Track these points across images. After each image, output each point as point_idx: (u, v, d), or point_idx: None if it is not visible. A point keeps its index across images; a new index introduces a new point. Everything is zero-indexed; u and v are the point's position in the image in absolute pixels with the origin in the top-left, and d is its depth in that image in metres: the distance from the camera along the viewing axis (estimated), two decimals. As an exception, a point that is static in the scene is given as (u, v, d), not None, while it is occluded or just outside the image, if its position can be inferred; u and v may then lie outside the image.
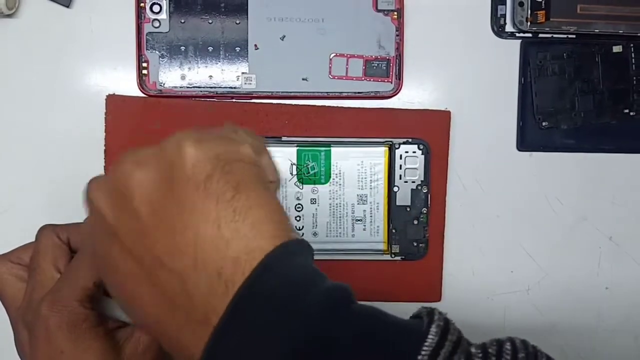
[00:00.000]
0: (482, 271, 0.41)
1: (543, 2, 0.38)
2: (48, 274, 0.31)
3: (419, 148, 0.39)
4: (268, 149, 0.27)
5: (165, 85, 0.38)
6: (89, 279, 0.31)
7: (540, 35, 0.40)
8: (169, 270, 0.21)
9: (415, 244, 0.40)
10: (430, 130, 0.39)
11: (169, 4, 0.37)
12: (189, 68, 0.38)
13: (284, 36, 0.38)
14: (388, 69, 0.39)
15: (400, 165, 0.39)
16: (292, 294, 0.21)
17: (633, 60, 0.40)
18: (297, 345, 0.20)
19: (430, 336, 0.20)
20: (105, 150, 0.38)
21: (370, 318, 0.21)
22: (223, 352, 0.20)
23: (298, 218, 0.39)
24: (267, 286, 0.21)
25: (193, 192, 0.22)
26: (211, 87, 0.38)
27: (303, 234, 0.39)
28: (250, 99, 0.38)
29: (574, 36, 0.40)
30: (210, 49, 0.38)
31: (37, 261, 0.32)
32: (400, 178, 0.39)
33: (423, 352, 0.20)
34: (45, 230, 0.33)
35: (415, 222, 0.39)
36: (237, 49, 0.38)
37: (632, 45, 0.40)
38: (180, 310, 0.21)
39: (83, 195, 0.25)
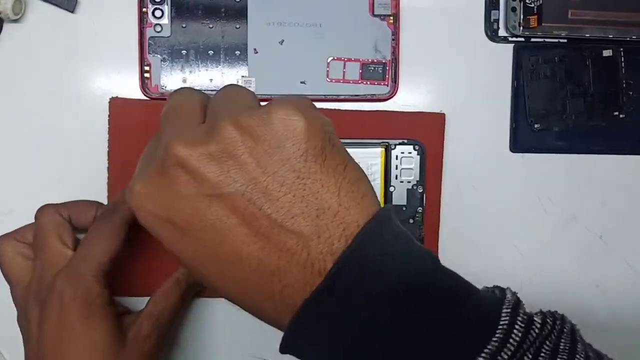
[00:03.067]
0: (475, 269, 0.42)
1: (535, 7, 0.39)
2: (57, 250, 0.32)
3: (414, 149, 0.40)
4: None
5: (167, 88, 0.39)
6: (105, 254, 0.32)
7: (533, 39, 0.41)
8: (288, 231, 0.22)
9: (410, 243, 0.41)
10: (426, 132, 0.40)
11: (171, 9, 0.38)
12: (190, 71, 0.39)
13: (283, 40, 0.39)
14: (384, 72, 0.40)
15: (396, 166, 0.40)
16: (400, 244, 0.23)
17: (623, 64, 0.41)
18: (400, 286, 0.22)
19: (508, 294, 0.23)
20: (108, 152, 0.38)
21: (456, 274, 0.24)
22: (339, 285, 0.22)
23: (296, 217, 0.40)
24: (381, 237, 0.23)
25: (312, 163, 0.23)
26: (212, 90, 0.39)
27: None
28: (250, 102, 0.39)
29: (565, 40, 0.41)
30: (211, 52, 0.39)
31: (43, 239, 0.32)
32: (396, 178, 0.40)
33: (506, 301, 0.23)
34: (46, 209, 0.34)
35: (411, 221, 0.40)
36: (237, 52, 0.39)
37: (621, 49, 0.41)
38: (295, 261, 0.22)
39: (169, 157, 0.23)
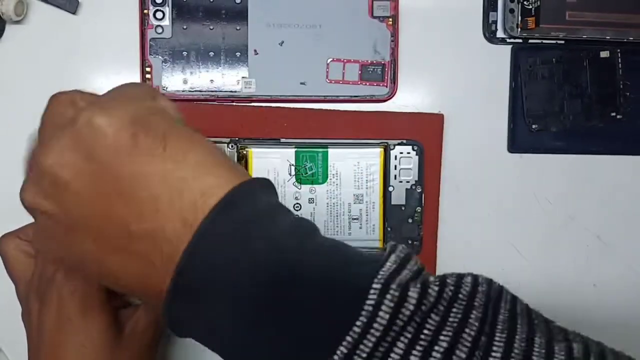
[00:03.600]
0: (473, 268, 0.41)
1: (533, 9, 0.40)
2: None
3: (413, 149, 0.40)
4: (157, 89, 0.27)
5: (168, 89, 0.39)
6: None
7: (530, 40, 0.41)
8: (137, 236, 0.22)
9: (409, 242, 0.41)
10: (424, 132, 0.40)
11: (172, 10, 0.39)
12: (191, 72, 0.39)
13: (283, 42, 0.39)
14: (383, 73, 0.40)
15: (395, 166, 0.40)
16: (255, 226, 0.22)
17: (620, 65, 0.41)
18: (259, 273, 0.21)
19: (388, 263, 0.21)
20: (110, 152, 0.39)
21: (333, 246, 0.22)
22: (188, 282, 0.21)
23: (296, 217, 0.40)
24: (230, 220, 0.21)
25: (126, 159, 0.22)
26: (212, 91, 0.39)
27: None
28: (250, 103, 0.40)
29: (562, 42, 0.41)
30: (212, 54, 0.39)
31: None
32: (395, 178, 0.40)
33: (379, 275, 0.20)
34: None
35: (410, 220, 0.41)
36: (238, 54, 0.39)
37: (619, 50, 0.41)
38: (154, 265, 0.22)
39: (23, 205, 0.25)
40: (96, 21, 0.39)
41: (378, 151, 0.40)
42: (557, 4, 0.40)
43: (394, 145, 0.40)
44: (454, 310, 0.20)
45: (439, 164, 0.41)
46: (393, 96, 0.40)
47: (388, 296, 0.20)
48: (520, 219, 0.42)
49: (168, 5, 0.38)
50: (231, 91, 0.39)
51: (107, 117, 0.22)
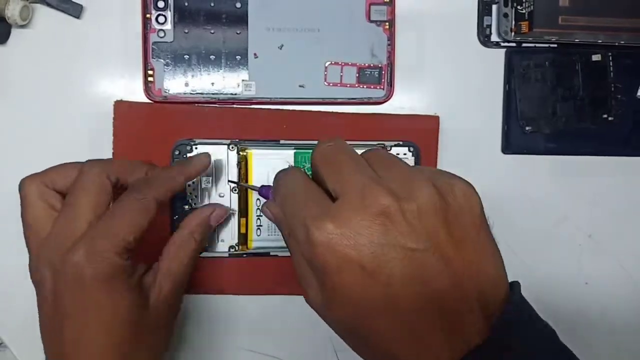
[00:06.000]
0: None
1: (526, 13, 0.41)
2: (85, 217, 0.30)
3: (409, 150, 0.41)
4: None
5: (169, 92, 0.40)
6: (130, 232, 0.29)
7: (524, 44, 0.42)
8: (461, 296, 0.25)
9: (405, 242, 0.42)
10: (420, 134, 0.41)
11: (174, 15, 0.39)
12: (192, 75, 0.40)
13: (282, 45, 0.40)
14: (380, 76, 0.41)
15: (392, 167, 0.41)
16: (533, 321, 0.26)
17: (611, 68, 0.42)
18: None
19: None
20: (113, 153, 0.40)
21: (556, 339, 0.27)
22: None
23: (295, 217, 0.41)
24: (520, 312, 0.26)
25: (483, 236, 0.26)
26: (213, 94, 0.40)
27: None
28: (250, 105, 0.40)
29: (555, 45, 0.42)
30: (213, 57, 0.40)
31: (77, 199, 0.30)
32: (392, 179, 0.41)
33: None
34: (96, 168, 0.31)
35: (406, 220, 0.41)
36: (238, 57, 0.40)
37: (610, 54, 0.42)
38: (443, 333, 0.24)
39: (374, 204, 0.25)
40: (100, 25, 0.40)
41: (375, 152, 0.41)
42: (550, 9, 0.41)
43: (391, 146, 0.41)
44: None
45: (435, 165, 0.41)
46: (390, 98, 0.41)
47: None
48: (513, 218, 0.43)
49: (170, 10, 0.39)
50: (231, 94, 0.40)
51: (479, 198, 0.26)
